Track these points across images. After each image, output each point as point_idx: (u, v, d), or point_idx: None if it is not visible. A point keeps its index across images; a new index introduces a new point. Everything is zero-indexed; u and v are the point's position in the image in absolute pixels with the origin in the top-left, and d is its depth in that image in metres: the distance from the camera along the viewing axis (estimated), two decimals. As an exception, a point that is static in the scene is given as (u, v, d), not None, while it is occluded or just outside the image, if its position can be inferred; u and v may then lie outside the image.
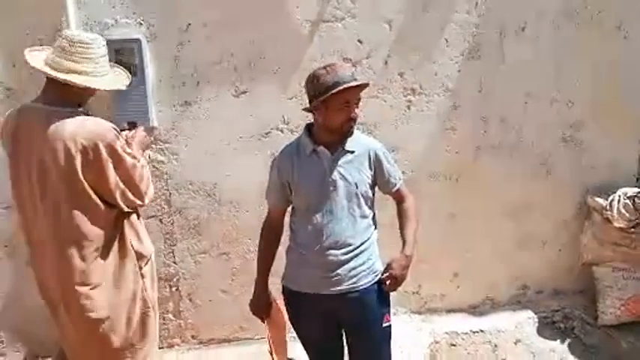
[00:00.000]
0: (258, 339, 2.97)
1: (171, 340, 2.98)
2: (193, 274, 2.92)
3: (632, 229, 2.94)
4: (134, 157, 2.09)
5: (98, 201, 1.99)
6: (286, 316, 2.18)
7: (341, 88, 1.87)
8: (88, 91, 2.01)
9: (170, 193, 2.79)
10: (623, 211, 2.92)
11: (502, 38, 2.90)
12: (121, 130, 2.35)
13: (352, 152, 2.01)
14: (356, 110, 1.95)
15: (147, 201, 2.18)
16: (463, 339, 3.08)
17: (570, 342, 3.05)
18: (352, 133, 2.00)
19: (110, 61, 2.16)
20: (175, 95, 2.67)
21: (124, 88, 2.14)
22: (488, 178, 3.09)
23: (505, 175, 3.10)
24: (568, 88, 3.04)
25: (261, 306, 2.17)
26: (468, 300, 3.28)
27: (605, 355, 2.95)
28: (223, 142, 2.77)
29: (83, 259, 1.99)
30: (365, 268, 2.03)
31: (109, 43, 2.42)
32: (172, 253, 2.87)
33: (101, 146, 1.93)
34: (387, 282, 2.02)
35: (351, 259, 2.00)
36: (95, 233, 1.99)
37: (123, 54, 2.49)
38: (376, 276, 2.06)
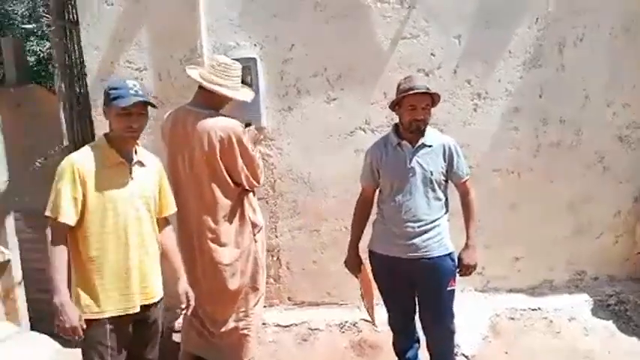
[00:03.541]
0: (341, 304, 3.55)
1: (271, 300, 3.62)
2: (290, 247, 3.55)
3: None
4: (252, 149, 2.75)
5: (229, 179, 2.66)
6: (371, 275, 2.72)
7: (406, 93, 2.41)
8: (225, 99, 2.69)
9: (275, 180, 3.44)
10: (675, 204, 3.19)
11: (561, 49, 3.27)
12: (240, 129, 3.05)
13: (430, 146, 2.51)
14: (423, 114, 2.43)
15: (261, 182, 2.83)
16: (521, 314, 3.45)
17: (622, 322, 3.34)
18: (421, 131, 2.48)
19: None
20: (280, 102, 3.32)
21: (249, 100, 2.80)
22: (547, 173, 3.45)
23: (564, 170, 3.45)
24: (624, 92, 3.34)
25: (353, 264, 2.73)
26: (528, 282, 3.64)
27: (654, 334, 3.23)
28: (317, 140, 3.38)
29: (215, 222, 2.68)
30: (436, 241, 2.51)
31: (233, 61, 3.11)
32: (275, 228, 3.52)
33: (233, 138, 2.60)
34: (462, 271, 2.56)
35: (425, 231, 2.49)
36: (226, 203, 2.67)
37: (242, 70, 3.16)
38: (446, 249, 2.54)
